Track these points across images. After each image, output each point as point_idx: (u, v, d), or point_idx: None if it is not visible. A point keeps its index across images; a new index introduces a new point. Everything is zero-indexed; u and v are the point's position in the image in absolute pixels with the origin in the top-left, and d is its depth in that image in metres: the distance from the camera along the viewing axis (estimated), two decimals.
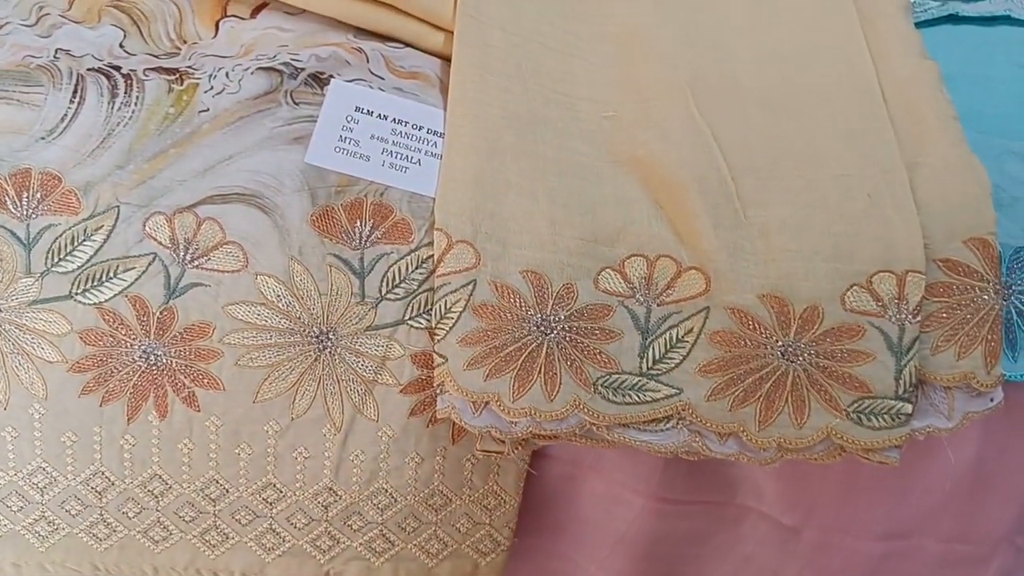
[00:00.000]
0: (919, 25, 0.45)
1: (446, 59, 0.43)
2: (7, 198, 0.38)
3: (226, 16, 0.42)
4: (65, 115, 0.38)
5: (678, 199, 0.39)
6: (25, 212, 0.38)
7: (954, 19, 0.46)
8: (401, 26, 0.42)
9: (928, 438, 0.38)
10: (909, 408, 0.36)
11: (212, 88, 0.39)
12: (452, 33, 0.43)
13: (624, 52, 0.45)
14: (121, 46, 0.40)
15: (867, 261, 0.38)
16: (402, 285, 0.38)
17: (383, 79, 0.41)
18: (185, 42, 0.41)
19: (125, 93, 0.39)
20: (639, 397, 0.37)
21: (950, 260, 0.38)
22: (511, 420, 0.37)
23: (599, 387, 0.37)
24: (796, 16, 0.45)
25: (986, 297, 0.37)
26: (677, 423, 0.38)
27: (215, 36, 0.41)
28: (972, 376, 0.36)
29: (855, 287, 0.37)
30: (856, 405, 0.37)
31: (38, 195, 0.38)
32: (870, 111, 0.42)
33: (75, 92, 0.39)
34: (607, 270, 0.38)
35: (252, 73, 0.40)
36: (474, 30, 0.43)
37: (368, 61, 0.41)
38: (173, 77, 0.39)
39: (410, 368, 0.39)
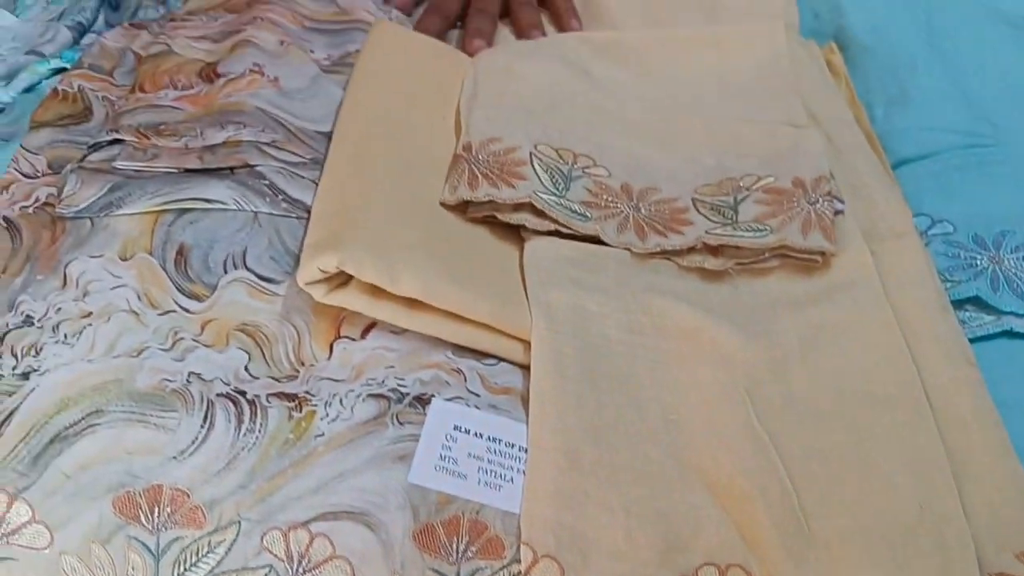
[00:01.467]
0: (974, 341, 0.48)
1: None
2: (140, 512, 0.42)
3: (339, 337, 0.46)
4: (196, 438, 0.43)
5: (744, 508, 0.42)
6: (156, 525, 0.42)
7: (1009, 335, 0.49)
8: (493, 343, 0.46)
9: None
10: None
11: (328, 415, 0.43)
12: None
13: (684, 350, 0.48)
14: (246, 369, 0.45)
15: (925, 573, 0.40)
16: None
17: (479, 396, 0.45)
18: (303, 364, 0.45)
19: (250, 420, 0.43)
20: None
21: (1004, 575, 0.40)
22: None
23: None
24: (836, 320, 0.49)
25: None
26: None
27: (329, 357, 0.46)
28: None
29: None
30: None
31: (168, 509, 0.42)
32: (917, 419, 0.45)
33: (206, 418, 0.43)
34: None
35: (363, 400, 0.44)
36: (549, 340, 0.46)
37: (466, 380, 0.45)
38: (293, 404, 0.44)
39: None
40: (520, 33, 0.71)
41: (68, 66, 0.68)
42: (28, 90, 0.68)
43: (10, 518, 0.42)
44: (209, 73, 0.60)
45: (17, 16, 0.77)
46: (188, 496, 0.42)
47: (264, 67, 0.60)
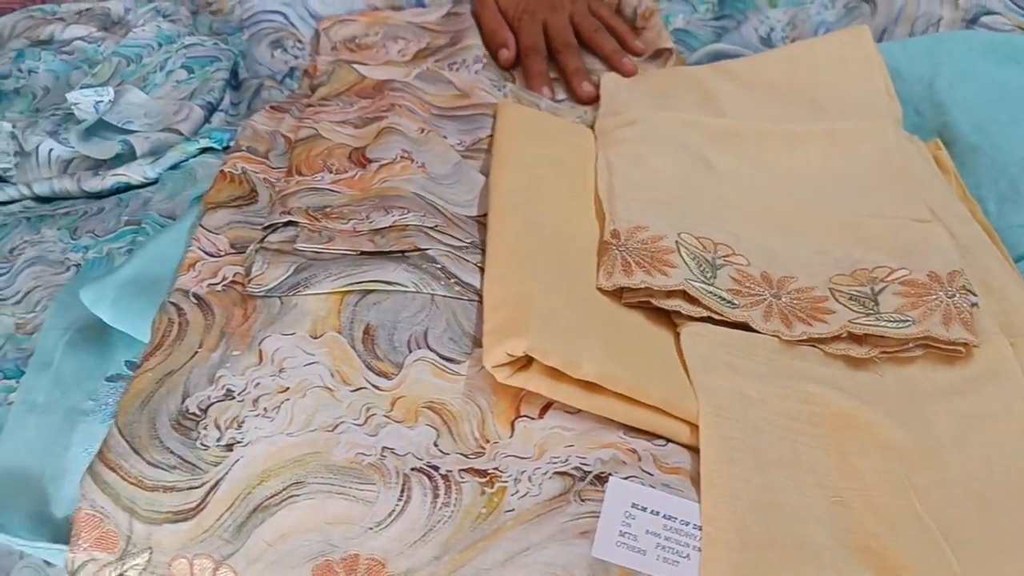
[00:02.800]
0: None
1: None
2: None
3: (519, 416, 0.49)
4: (393, 511, 0.45)
5: None
6: None
7: None
8: (662, 425, 0.49)
9: None
10: None
11: (517, 492, 0.46)
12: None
13: (841, 436, 0.50)
14: (435, 444, 0.47)
15: None
16: None
17: (652, 475, 0.47)
18: (488, 441, 0.48)
19: (445, 494, 0.45)
20: None
21: None
22: None
23: None
24: (984, 411, 0.51)
25: None
26: None
27: (511, 435, 0.48)
28: None
29: None
30: None
31: None
32: None
33: (402, 491, 0.45)
34: None
35: (550, 477, 0.46)
36: (716, 424, 0.49)
37: (640, 460, 0.48)
38: (484, 479, 0.46)
39: None
40: (608, 58, 0.83)
41: (216, 146, 0.72)
42: (173, 167, 0.72)
43: None
44: (359, 158, 0.64)
45: (147, 93, 0.82)
46: (384, 566, 0.44)
47: (412, 153, 0.63)
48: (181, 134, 0.75)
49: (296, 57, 0.90)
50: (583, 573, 0.44)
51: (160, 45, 0.87)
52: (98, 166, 0.76)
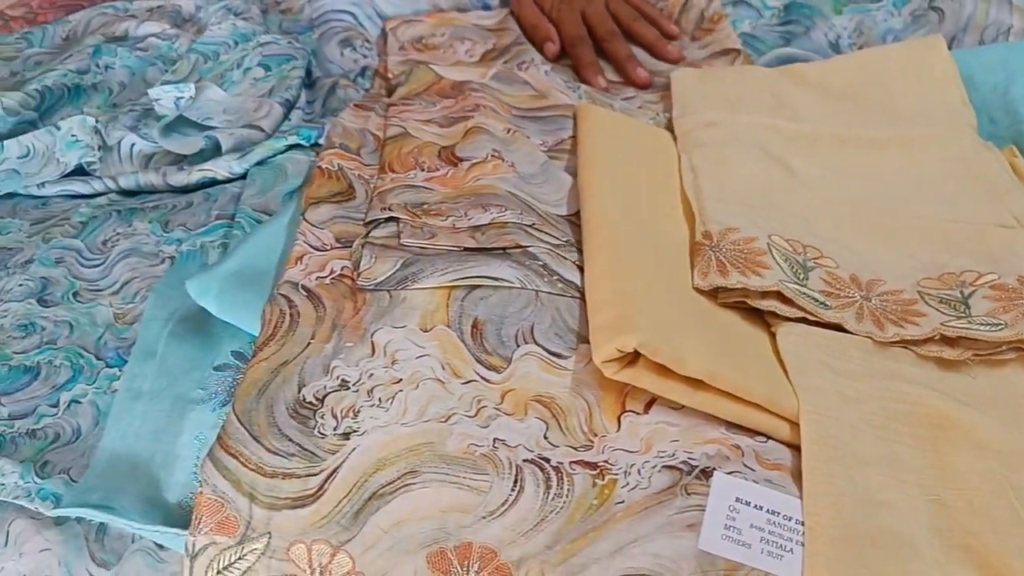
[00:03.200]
0: None
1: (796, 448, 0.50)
2: (451, 567, 0.45)
3: (625, 411, 0.50)
4: (506, 500, 0.46)
5: None
6: None
7: None
8: (762, 421, 0.50)
9: None
10: None
11: (628, 484, 0.47)
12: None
13: (937, 436, 0.51)
14: (545, 437, 0.48)
15: None
16: None
17: (754, 471, 0.48)
18: (596, 435, 0.49)
19: (558, 485, 0.46)
20: None
21: None
22: None
23: None
24: None
25: None
26: None
27: (618, 430, 0.49)
28: None
29: None
30: None
31: (476, 565, 0.45)
32: None
33: (515, 482, 0.47)
34: None
35: (659, 471, 0.47)
36: (816, 422, 0.50)
37: (743, 455, 0.49)
38: (595, 472, 0.47)
39: None
40: (651, 47, 0.86)
41: (304, 143, 0.73)
42: (260, 163, 0.73)
43: (333, 568, 0.46)
44: (448, 156, 0.65)
45: (225, 91, 0.83)
46: (496, 554, 0.45)
47: (501, 153, 0.64)
48: (263, 131, 0.76)
49: (365, 56, 0.91)
50: (690, 565, 0.45)
51: (236, 43, 0.89)
52: (180, 161, 0.77)
